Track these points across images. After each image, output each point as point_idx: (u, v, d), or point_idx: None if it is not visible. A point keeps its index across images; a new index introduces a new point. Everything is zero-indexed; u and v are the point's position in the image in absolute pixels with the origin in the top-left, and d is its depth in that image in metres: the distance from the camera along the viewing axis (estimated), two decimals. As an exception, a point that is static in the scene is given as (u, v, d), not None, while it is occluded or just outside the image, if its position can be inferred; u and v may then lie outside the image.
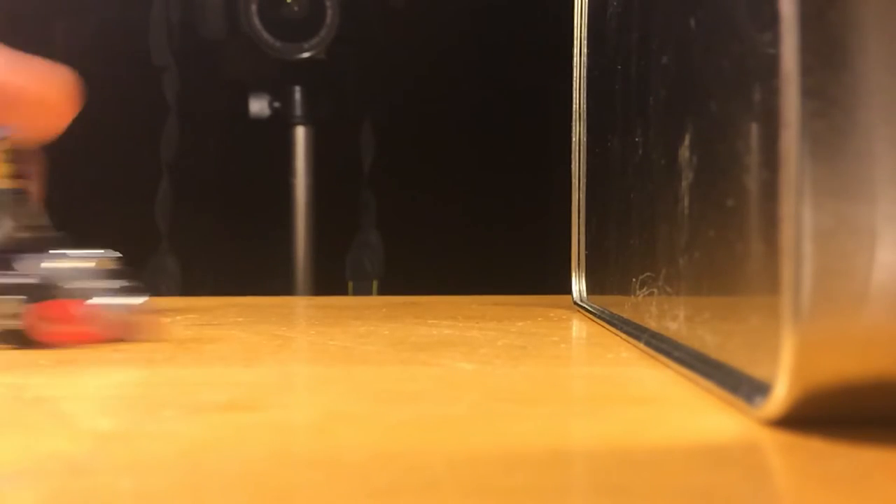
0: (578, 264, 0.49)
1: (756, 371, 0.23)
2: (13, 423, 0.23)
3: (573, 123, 0.48)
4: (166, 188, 0.97)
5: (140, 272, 0.96)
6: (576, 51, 0.48)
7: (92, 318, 0.36)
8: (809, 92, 0.19)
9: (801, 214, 0.20)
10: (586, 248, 0.48)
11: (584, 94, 0.48)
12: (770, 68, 0.21)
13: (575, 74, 0.48)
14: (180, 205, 0.98)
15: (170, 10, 0.97)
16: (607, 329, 0.40)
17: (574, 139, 0.48)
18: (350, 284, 1.02)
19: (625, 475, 0.18)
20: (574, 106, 0.48)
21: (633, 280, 0.35)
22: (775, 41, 0.20)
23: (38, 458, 0.19)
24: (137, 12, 0.97)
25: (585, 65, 0.47)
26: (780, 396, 0.21)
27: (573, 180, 0.49)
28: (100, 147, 0.96)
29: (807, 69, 0.19)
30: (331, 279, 0.98)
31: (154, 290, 1.04)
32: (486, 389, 0.27)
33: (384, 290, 1.01)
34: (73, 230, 1.04)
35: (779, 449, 0.20)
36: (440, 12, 0.98)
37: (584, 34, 0.47)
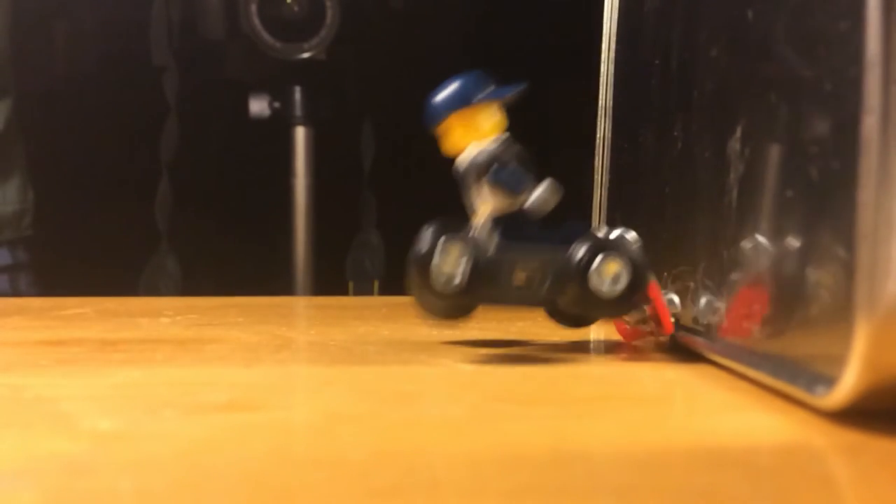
0: None
1: (815, 360, 0.22)
2: (13, 423, 0.23)
3: (598, 120, 0.48)
4: (166, 188, 0.97)
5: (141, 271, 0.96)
6: (604, 47, 0.47)
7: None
8: (894, 79, 0.19)
9: (880, 202, 0.19)
10: None
11: (610, 91, 0.47)
12: (846, 57, 0.21)
13: (602, 70, 0.48)
14: (180, 205, 0.98)
15: (170, 10, 0.97)
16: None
17: (598, 135, 0.48)
18: (350, 284, 1.02)
19: (625, 476, 0.18)
20: (599, 102, 0.48)
21: (665, 275, 0.35)
22: (854, 29, 0.20)
23: (38, 458, 0.19)
24: (137, 12, 0.97)
25: (613, 61, 0.47)
26: (849, 385, 0.20)
27: (595, 176, 0.48)
28: (100, 147, 0.96)
29: (891, 56, 0.19)
30: (331, 279, 0.98)
31: (154, 290, 1.03)
32: (486, 389, 0.27)
33: (385, 290, 1.01)
34: (74, 230, 1.03)
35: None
36: (440, 12, 0.98)
37: (614, 31, 0.47)
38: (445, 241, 0.30)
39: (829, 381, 0.21)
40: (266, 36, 0.88)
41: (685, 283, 0.33)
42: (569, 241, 0.32)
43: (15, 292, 0.91)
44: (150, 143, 0.97)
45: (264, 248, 0.97)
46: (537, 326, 0.41)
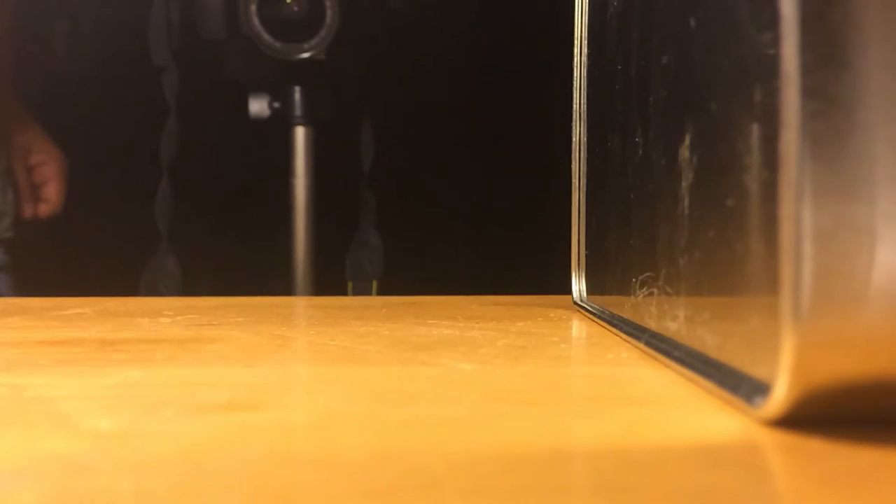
0: (578, 264, 0.49)
1: (756, 371, 0.23)
2: (13, 423, 0.23)
3: (573, 123, 0.48)
4: (166, 188, 0.97)
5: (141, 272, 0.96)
6: (576, 51, 0.48)
7: None
8: (809, 92, 0.19)
9: (800, 215, 0.20)
10: (586, 249, 0.48)
11: (584, 94, 0.48)
12: (770, 68, 0.21)
13: (575, 74, 0.48)
14: (180, 205, 0.98)
15: (170, 10, 0.97)
16: (607, 329, 0.40)
17: (574, 139, 0.48)
18: (350, 284, 1.02)
19: (624, 475, 0.18)
20: (574, 106, 0.48)
21: (633, 280, 0.35)
22: (775, 41, 0.20)
23: (38, 458, 0.19)
24: (137, 12, 0.97)
25: (585, 64, 0.47)
26: (780, 396, 0.21)
27: (573, 180, 0.48)
28: (100, 147, 0.96)
29: (807, 69, 0.19)
30: (331, 279, 0.98)
31: (154, 290, 1.03)
32: (486, 389, 0.27)
33: (384, 290, 1.01)
34: (74, 230, 1.03)
35: (778, 449, 0.20)
36: (440, 13, 0.98)
37: (585, 34, 0.47)
38: None
39: (765, 392, 0.21)
40: (266, 36, 0.89)
41: (650, 290, 0.33)
42: None
43: (18, 294, 0.91)
44: (150, 143, 0.97)
45: (264, 248, 0.97)
46: (537, 326, 0.41)
